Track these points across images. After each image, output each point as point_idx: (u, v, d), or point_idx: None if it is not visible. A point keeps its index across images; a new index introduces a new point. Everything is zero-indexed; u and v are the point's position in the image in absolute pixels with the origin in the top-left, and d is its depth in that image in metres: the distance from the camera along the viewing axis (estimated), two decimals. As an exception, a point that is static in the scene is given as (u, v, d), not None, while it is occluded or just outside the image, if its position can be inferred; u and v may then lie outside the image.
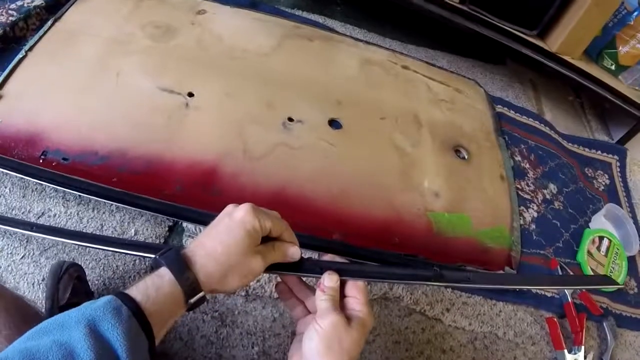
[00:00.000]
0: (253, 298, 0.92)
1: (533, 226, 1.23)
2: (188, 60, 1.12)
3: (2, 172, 0.91)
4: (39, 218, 0.91)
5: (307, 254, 0.95)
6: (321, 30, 1.40)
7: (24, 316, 0.60)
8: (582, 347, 1.04)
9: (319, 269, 0.63)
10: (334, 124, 1.12)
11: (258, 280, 0.92)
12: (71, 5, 1.18)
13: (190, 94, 1.06)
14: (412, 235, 0.99)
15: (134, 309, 0.48)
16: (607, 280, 1.07)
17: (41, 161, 0.90)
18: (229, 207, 0.59)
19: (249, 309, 0.91)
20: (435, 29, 1.51)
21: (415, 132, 1.18)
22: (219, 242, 0.55)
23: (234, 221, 0.56)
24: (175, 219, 0.95)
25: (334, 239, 0.93)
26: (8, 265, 0.84)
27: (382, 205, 1.02)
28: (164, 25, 1.18)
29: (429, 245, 1.00)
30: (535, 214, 1.25)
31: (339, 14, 1.58)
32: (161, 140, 0.97)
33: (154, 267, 0.55)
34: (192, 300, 0.53)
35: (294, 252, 0.63)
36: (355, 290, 0.60)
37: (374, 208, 1.00)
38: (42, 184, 0.91)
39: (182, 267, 0.53)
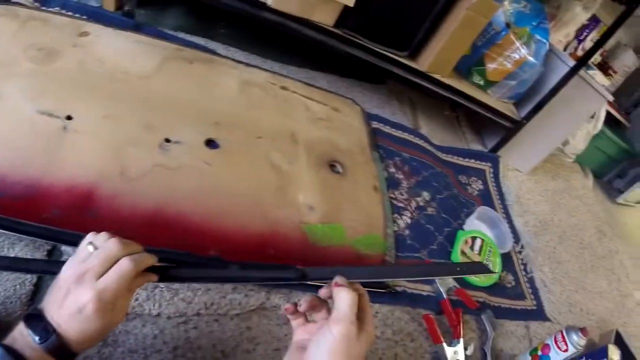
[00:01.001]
0: (133, 317, 0.96)
1: (407, 232, 1.36)
2: (69, 83, 1.15)
3: None
4: None
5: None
6: (203, 52, 1.47)
7: None
8: (461, 340, 1.16)
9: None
10: (211, 144, 1.19)
11: (136, 299, 0.97)
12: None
13: (69, 117, 1.07)
14: (288, 247, 1.08)
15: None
16: (480, 267, 1.15)
17: None
18: (70, 281, 0.60)
19: (129, 328, 0.95)
20: (315, 51, 1.62)
21: (291, 149, 1.28)
22: (82, 332, 0.59)
23: (87, 311, 0.58)
24: (53, 243, 0.96)
25: (210, 255, 1.00)
26: None
27: (258, 221, 1.10)
28: (47, 48, 1.19)
29: (305, 255, 1.09)
30: (409, 220, 1.38)
31: (223, 37, 1.65)
32: (39, 164, 0.99)
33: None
34: None
35: (151, 278, 0.69)
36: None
37: (250, 224, 1.08)
38: None
39: (65, 355, 0.58)
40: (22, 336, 0.57)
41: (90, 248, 0.64)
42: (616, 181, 2.68)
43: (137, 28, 1.47)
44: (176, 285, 1.00)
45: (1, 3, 1.29)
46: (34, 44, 1.19)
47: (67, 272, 0.61)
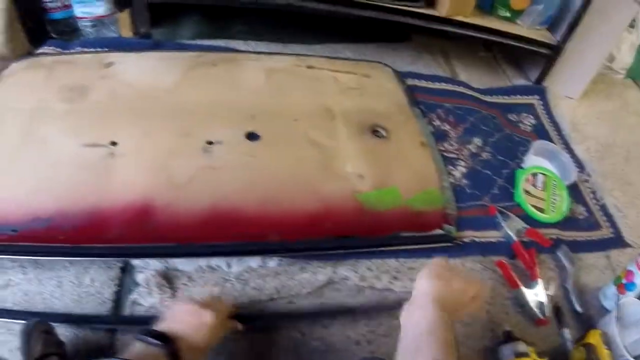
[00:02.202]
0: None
1: (465, 181, 1.32)
2: (105, 113, 1.19)
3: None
4: (4, 289, 0.96)
5: (251, 261, 1.04)
6: (224, 53, 1.49)
7: None
8: (540, 280, 1.11)
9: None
10: (252, 137, 1.20)
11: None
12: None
13: (114, 143, 1.12)
14: (345, 219, 1.07)
15: None
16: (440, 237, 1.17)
17: (-7, 239, 0.97)
18: (196, 306, 0.78)
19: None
20: (334, 24, 1.60)
21: (329, 124, 1.27)
22: (194, 343, 0.74)
23: (205, 326, 0.76)
24: (123, 259, 1.02)
25: (270, 241, 1.00)
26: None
27: (311, 199, 1.09)
28: (77, 86, 1.24)
29: (362, 223, 1.08)
30: (465, 170, 1.35)
31: (241, 33, 1.66)
32: (94, 192, 1.04)
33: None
34: None
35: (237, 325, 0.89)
36: None
37: (303, 204, 1.08)
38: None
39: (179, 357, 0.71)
40: (137, 348, 0.70)
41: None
42: (677, 89, 2.51)
43: (156, 46, 1.51)
44: (245, 275, 1.02)
45: (25, 57, 1.35)
46: (65, 86, 1.23)
47: (187, 304, 0.80)
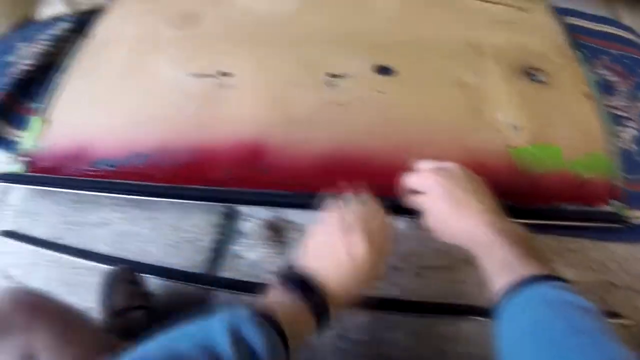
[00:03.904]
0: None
1: (634, 147, 1.00)
2: (217, 41, 1.05)
3: (58, 190, 0.90)
4: (96, 228, 0.89)
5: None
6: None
7: (67, 327, 0.57)
8: None
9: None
10: (382, 70, 0.97)
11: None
12: (97, 20, 1.16)
13: (224, 74, 0.97)
14: (494, 178, 0.78)
15: (272, 321, 0.48)
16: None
17: (91, 173, 0.88)
18: (337, 231, 0.56)
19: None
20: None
21: (477, 62, 0.99)
22: (345, 284, 0.55)
23: (358, 264, 0.55)
24: (228, 204, 0.88)
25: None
26: (77, 279, 0.84)
27: (453, 149, 0.86)
28: (188, 13, 1.11)
29: (515, 186, 0.82)
30: (636, 132, 1.03)
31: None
32: (200, 126, 0.90)
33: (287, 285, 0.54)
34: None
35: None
36: None
37: (444, 154, 0.81)
38: (96, 195, 0.89)
39: (324, 308, 0.53)
40: (278, 301, 0.52)
41: (340, 203, 0.61)
42: None
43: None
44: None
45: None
46: (175, 13, 1.12)
47: (325, 227, 0.58)
